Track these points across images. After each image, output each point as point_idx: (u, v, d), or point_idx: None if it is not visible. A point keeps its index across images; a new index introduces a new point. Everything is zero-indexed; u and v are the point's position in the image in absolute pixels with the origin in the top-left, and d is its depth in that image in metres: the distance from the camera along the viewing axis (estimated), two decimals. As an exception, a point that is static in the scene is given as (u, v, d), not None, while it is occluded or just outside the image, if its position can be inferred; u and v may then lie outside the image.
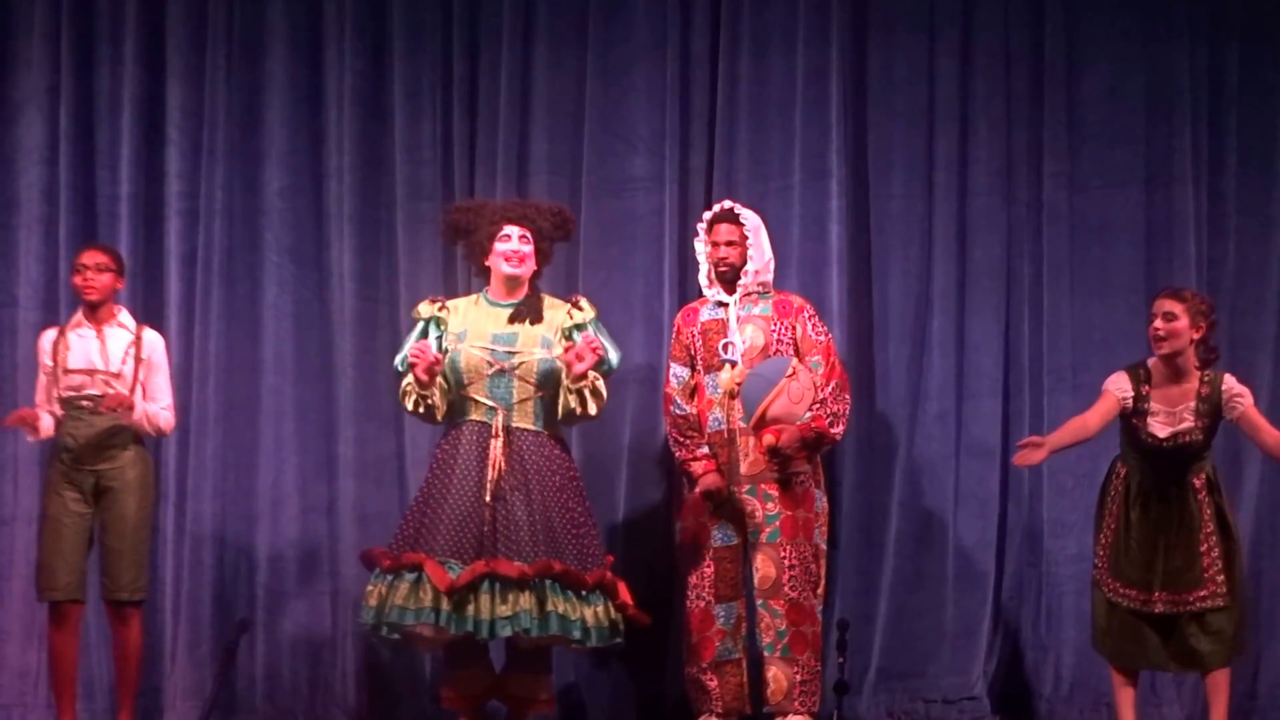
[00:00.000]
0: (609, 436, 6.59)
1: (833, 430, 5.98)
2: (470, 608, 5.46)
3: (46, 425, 5.87)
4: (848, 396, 6.06)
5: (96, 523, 5.88)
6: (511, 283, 5.81)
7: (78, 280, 5.91)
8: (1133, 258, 6.60)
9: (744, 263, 6.04)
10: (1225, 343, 6.52)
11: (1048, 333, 6.63)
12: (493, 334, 5.72)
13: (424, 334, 5.78)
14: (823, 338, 6.06)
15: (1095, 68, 6.68)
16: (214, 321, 6.62)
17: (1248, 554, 6.37)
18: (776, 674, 5.97)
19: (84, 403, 5.85)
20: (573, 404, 5.70)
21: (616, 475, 6.59)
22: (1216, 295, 6.59)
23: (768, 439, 5.87)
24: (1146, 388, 5.63)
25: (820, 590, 6.06)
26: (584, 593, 5.59)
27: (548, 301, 5.87)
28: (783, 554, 5.93)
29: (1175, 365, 5.60)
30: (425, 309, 5.84)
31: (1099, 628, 5.72)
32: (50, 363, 5.90)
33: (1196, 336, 5.60)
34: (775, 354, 5.98)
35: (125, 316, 6.01)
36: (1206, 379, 5.62)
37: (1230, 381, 5.64)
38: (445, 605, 5.46)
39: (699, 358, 6.07)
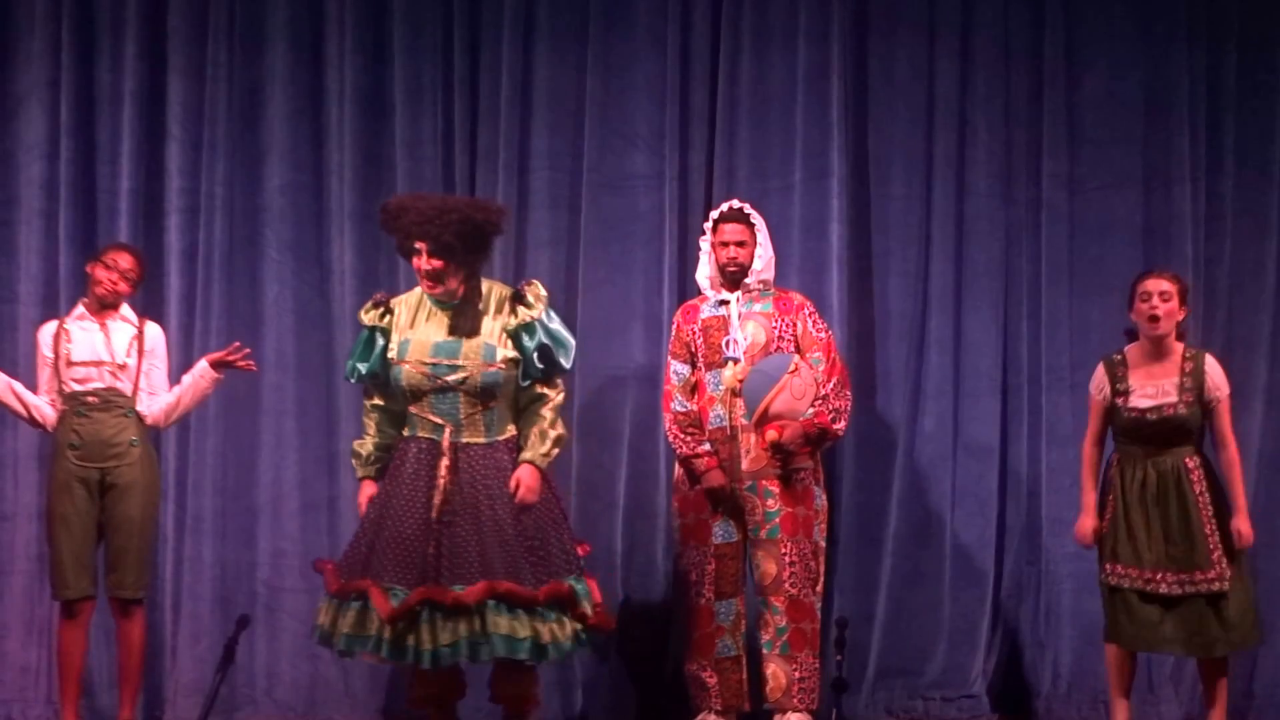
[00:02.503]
0: (609, 434, 6.59)
1: (835, 426, 6.00)
2: (411, 637, 5.36)
3: (37, 407, 5.85)
4: (849, 393, 6.08)
5: (103, 520, 5.86)
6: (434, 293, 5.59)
7: (104, 275, 5.86)
8: (1130, 258, 6.60)
9: (751, 262, 6.05)
10: (1221, 343, 6.57)
11: (1046, 332, 6.64)
12: (434, 344, 5.52)
13: (369, 344, 5.60)
14: (823, 334, 6.08)
15: (1094, 69, 6.70)
16: (214, 318, 6.61)
17: (1248, 554, 6.42)
18: (776, 671, 5.99)
19: (90, 398, 5.83)
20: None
21: (616, 472, 6.60)
22: (1213, 296, 6.64)
23: (771, 435, 5.88)
24: (1123, 370, 5.71)
25: (819, 587, 6.07)
26: (538, 609, 5.43)
27: (495, 293, 5.61)
28: (783, 551, 5.95)
29: (1160, 345, 5.68)
30: (367, 317, 5.65)
31: (1110, 619, 5.71)
32: (50, 355, 5.88)
33: (1181, 317, 5.70)
34: (776, 351, 6.00)
35: (126, 310, 6.00)
36: (1189, 356, 5.69)
37: (1213, 366, 5.72)
38: (387, 634, 5.37)
39: (700, 355, 6.07)
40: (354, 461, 5.74)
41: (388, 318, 5.62)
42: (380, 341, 5.59)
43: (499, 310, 5.58)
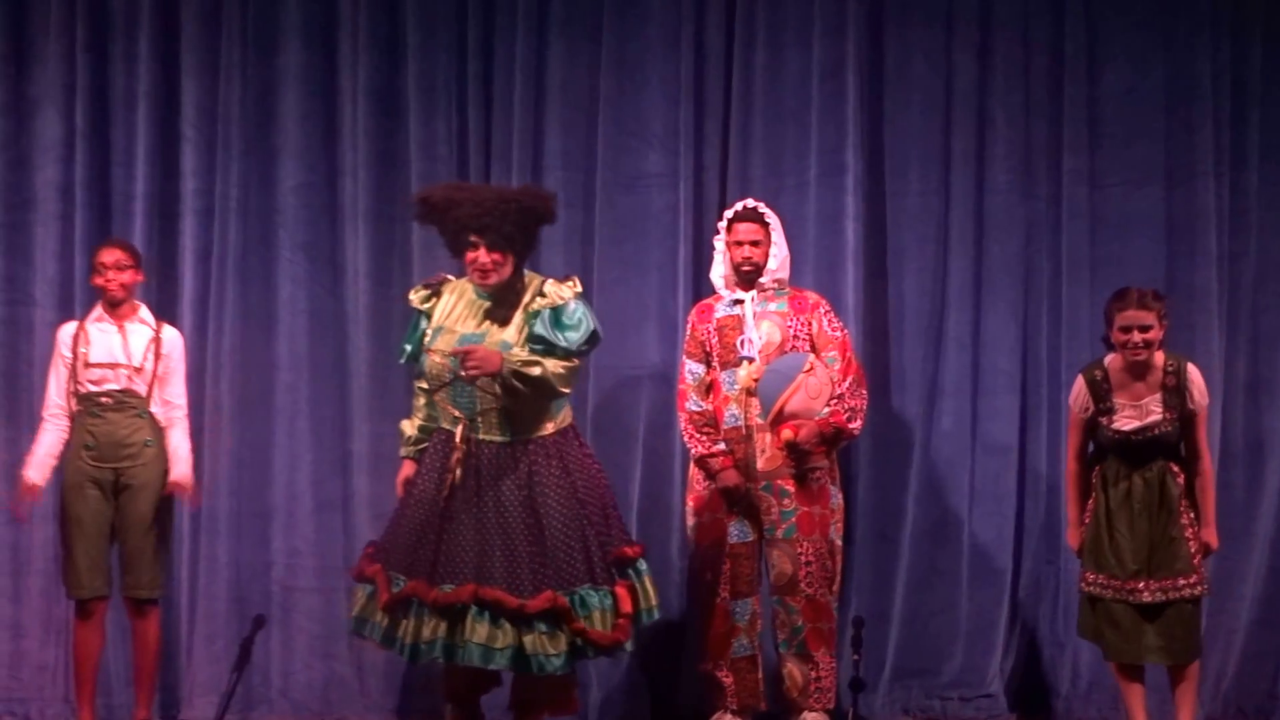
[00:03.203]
0: (623, 433, 6.58)
1: (850, 425, 5.98)
2: (401, 627, 5.36)
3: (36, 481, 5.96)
4: (864, 391, 6.06)
5: (117, 520, 5.91)
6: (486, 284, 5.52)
7: (99, 280, 5.94)
8: (1153, 254, 6.56)
9: (766, 261, 6.02)
10: (1246, 338, 6.53)
11: (1065, 330, 6.60)
12: (461, 336, 5.46)
13: (416, 325, 5.61)
14: (838, 333, 6.05)
15: (1115, 62, 6.64)
16: (229, 318, 6.63)
17: (1269, 551, 6.37)
18: (792, 670, 5.98)
19: (104, 399, 5.87)
20: (509, 398, 5.37)
21: (631, 472, 6.58)
22: (1237, 292, 6.60)
23: (786, 434, 5.87)
24: (1106, 388, 5.61)
25: (836, 587, 6.06)
26: (528, 620, 5.31)
27: (532, 286, 5.52)
28: (799, 550, 5.93)
29: (1141, 364, 5.57)
30: (415, 298, 5.63)
31: (1090, 626, 5.69)
32: (69, 355, 5.92)
33: (1161, 335, 5.57)
34: (791, 350, 5.98)
35: (145, 312, 6.05)
36: (1170, 368, 5.58)
37: (1195, 377, 5.60)
38: (384, 622, 5.40)
39: (715, 354, 6.05)
40: (400, 439, 5.75)
41: (431, 302, 5.60)
42: (423, 325, 5.58)
43: (529, 304, 5.50)
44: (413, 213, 5.63)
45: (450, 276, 5.69)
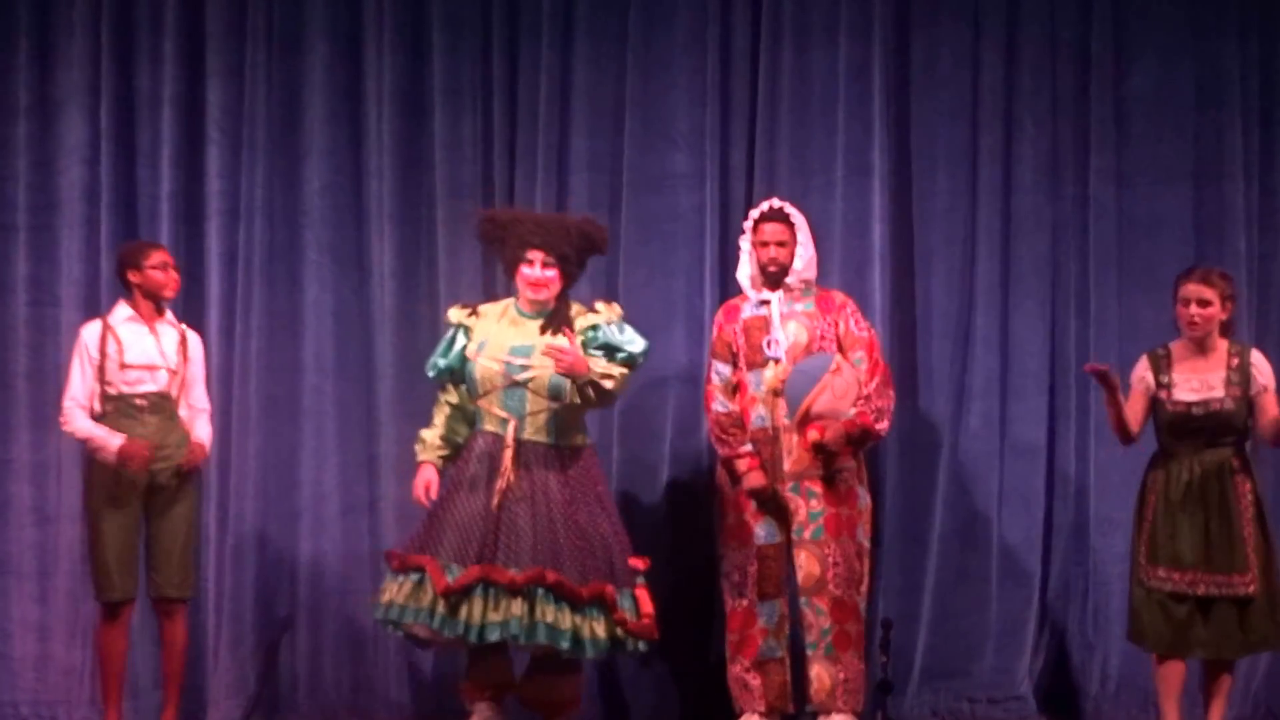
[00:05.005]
0: (651, 435, 6.58)
1: (877, 426, 5.96)
2: (463, 611, 5.51)
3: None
4: (891, 392, 6.04)
5: (146, 520, 5.91)
6: (535, 302, 5.80)
7: (166, 278, 5.93)
8: (1181, 254, 6.52)
9: (792, 261, 6.01)
10: (1276, 339, 6.50)
11: (1094, 330, 6.58)
12: (510, 346, 5.72)
13: (452, 341, 5.81)
14: (865, 333, 6.04)
15: (1143, 62, 6.62)
16: (255, 320, 6.65)
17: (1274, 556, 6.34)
18: (820, 672, 5.95)
19: (139, 400, 5.87)
20: (578, 400, 5.71)
21: (659, 473, 6.59)
22: (1267, 292, 6.57)
23: (812, 435, 5.85)
24: (1167, 363, 5.68)
25: (864, 588, 6.03)
26: (582, 605, 5.57)
27: (574, 310, 5.84)
28: (826, 551, 5.92)
29: (1202, 344, 5.65)
30: (455, 314, 5.88)
31: (1138, 620, 5.66)
32: (97, 355, 5.90)
33: (1224, 318, 5.65)
34: (818, 350, 5.96)
35: (169, 314, 6.05)
36: (1235, 350, 5.66)
37: (1259, 359, 5.68)
38: (441, 608, 5.51)
39: (741, 355, 6.04)
40: (416, 446, 5.85)
41: (473, 319, 5.82)
42: (462, 340, 5.78)
43: (584, 321, 5.78)
44: (476, 231, 5.92)
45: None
